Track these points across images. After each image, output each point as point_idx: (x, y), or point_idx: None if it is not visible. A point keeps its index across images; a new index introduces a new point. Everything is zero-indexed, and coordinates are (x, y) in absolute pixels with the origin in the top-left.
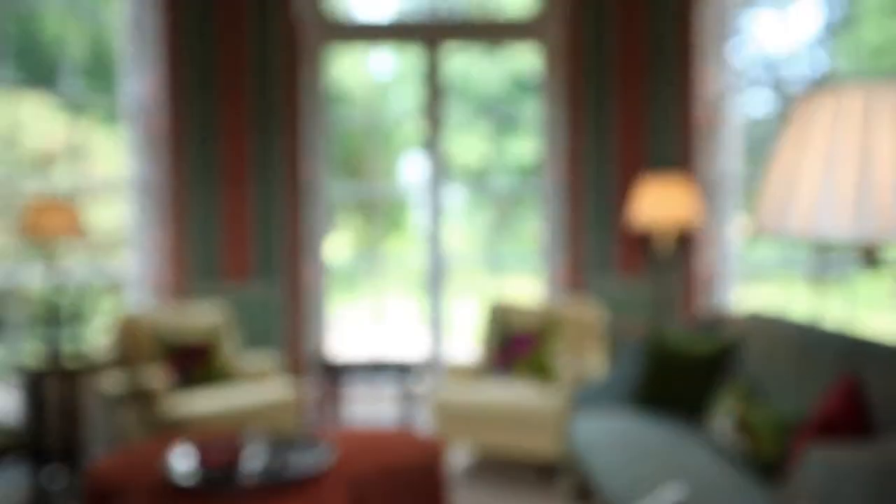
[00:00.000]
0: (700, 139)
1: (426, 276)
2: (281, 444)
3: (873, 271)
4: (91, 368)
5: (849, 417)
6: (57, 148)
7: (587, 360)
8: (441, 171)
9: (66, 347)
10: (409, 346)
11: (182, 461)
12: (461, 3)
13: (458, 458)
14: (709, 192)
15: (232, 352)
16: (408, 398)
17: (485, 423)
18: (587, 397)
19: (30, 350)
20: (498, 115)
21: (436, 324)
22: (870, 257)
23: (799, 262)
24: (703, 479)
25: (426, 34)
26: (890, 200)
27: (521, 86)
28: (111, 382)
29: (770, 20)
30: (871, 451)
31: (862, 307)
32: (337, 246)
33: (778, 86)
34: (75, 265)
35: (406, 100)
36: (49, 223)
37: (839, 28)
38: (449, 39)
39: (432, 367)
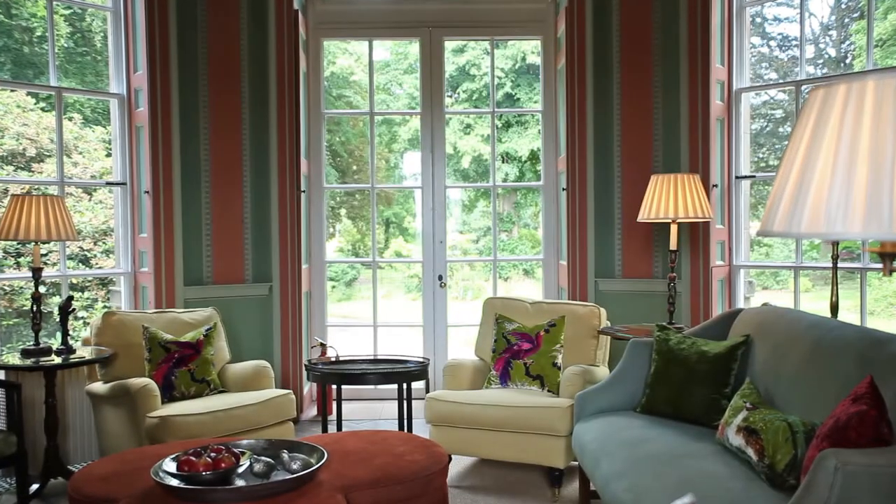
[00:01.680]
0: (710, 135)
1: (425, 277)
2: (276, 448)
3: (889, 273)
4: (77, 368)
5: (869, 424)
6: (43, 144)
7: (590, 362)
8: (441, 168)
9: (52, 347)
10: (408, 347)
11: (172, 467)
12: None
13: (457, 459)
14: (718, 190)
15: (224, 352)
16: (407, 400)
17: (484, 426)
18: (590, 400)
19: (13, 349)
20: (499, 108)
21: (435, 324)
22: (886, 258)
23: (809, 264)
24: (710, 486)
25: (425, 27)
26: None
27: (522, 78)
28: (97, 383)
29: (783, 11)
30: (888, 456)
31: (873, 308)
32: (336, 245)
33: (791, 79)
34: (64, 264)
35: (405, 95)
36: (35, 221)
37: (853, 18)
38: (449, 33)
39: (432, 368)
